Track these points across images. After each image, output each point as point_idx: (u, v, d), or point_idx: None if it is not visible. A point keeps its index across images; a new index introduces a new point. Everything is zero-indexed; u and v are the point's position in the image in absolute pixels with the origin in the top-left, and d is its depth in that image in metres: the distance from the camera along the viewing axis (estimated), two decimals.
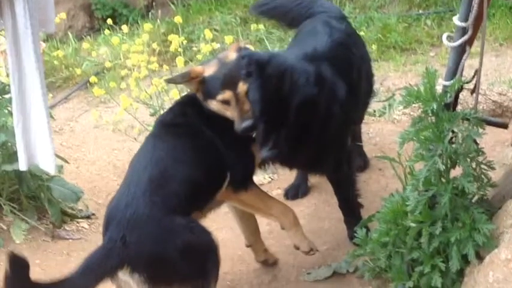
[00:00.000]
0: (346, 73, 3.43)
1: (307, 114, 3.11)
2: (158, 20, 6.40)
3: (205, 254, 2.91)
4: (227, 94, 3.06)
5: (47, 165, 2.72)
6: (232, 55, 3.13)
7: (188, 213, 2.94)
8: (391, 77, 5.47)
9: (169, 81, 3.39)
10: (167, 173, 2.96)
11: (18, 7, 2.55)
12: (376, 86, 5.25)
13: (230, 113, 3.08)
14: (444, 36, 2.92)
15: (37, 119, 2.65)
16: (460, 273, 2.83)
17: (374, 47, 5.59)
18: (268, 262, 3.50)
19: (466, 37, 2.87)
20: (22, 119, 2.67)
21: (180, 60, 4.43)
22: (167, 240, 2.83)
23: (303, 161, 3.41)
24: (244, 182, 3.16)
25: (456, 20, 2.89)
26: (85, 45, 6.22)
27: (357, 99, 3.60)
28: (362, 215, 3.60)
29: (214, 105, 3.10)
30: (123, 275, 2.79)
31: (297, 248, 3.29)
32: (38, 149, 2.69)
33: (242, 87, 3.05)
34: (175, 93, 4.25)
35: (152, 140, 3.14)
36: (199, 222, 3.00)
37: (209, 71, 3.10)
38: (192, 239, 2.87)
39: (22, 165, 2.73)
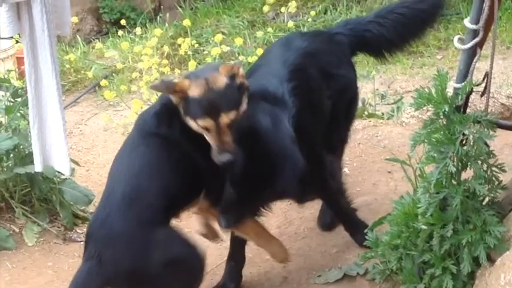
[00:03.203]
0: (304, 106, 3.22)
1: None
2: (166, 24, 6.44)
3: (185, 267, 2.87)
4: (208, 122, 2.86)
5: (62, 166, 2.75)
6: (221, 79, 2.89)
7: (165, 223, 2.89)
8: (398, 80, 5.49)
9: (152, 87, 3.22)
10: (142, 186, 2.87)
11: (35, 10, 2.59)
12: (383, 89, 5.31)
13: (208, 138, 2.90)
14: (455, 38, 2.93)
15: (53, 121, 2.68)
16: (471, 276, 2.83)
17: None
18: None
19: (477, 39, 2.88)
20: (38, 120, 2.70)
21: (192, 64, 4.44)
22: (144, 255, 2.79)
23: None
24: (218, 196, 3.04)
25: (467, 23, 2.89)
26: (97, 47, 6.26)
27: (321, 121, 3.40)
28: (371, 218, 3.60)
29: (192, 124, 2.91)
30: None
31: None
32: (53, 151, 2.73)
33: (225, 118, 2.85)
34: None
35: (130, 149, 3.00)
36: (181, 233, 2.94)
37: (194, 90, 2.87)
38: (170, 252, 2.83)
39: (37, 167, 2.76)
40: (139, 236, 2.80)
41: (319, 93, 3.37)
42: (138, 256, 2.79)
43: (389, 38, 3.66)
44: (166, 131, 2.95)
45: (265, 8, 6.50)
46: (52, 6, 2.68)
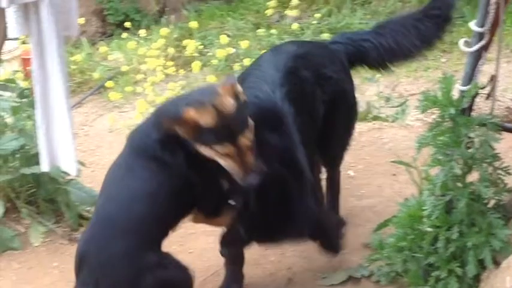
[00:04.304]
0: (299, 111, 3.15)
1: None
2: (171, 26, 6.45)
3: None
4: (228, 148, 2.77)
5: (69, 167, 2.76)
6: (228, 102, 2.78)
7: (159, 245, 2.89)
8: (402, 83, 5.49)
9: (164, 123, 2.96)
10: (143, 213, 2.84)
11: (43, 11, 2.60)
12: (388, 92, 5.31)
13: (228, 164, 2.82)
14: (461, 41, 2.94)
15: (60, 121, 2.70)
16: (477, 279, 2.84)
17: None
18: None
19: (483, 42, 2.89)
20: (45, 121, 2.71)
21: (196, 65, 4.45)
22: (140, 283, 2.78)
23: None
24: (214, 211, 3.04)
25: (473, 26, 2.90)
26: (101, 49, 6.27)
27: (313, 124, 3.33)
28: (376, 220, 3.60)
29: (208, 153, 2.80)
30: None
31: None
32: (60, 151, 2.74)
33: (243, 140, 2.78)
34: None
35: (127, 169, 2.92)
36: (172, 257, 2.92)
37: (205, 119, 2.73)
38: (165, 276, 2.83)
39: (44, 166, 2.77)
40: (136, 263, 2.80)
41: (312, 97, 3.30)
42: (135, 283, 2.79)
43: (389, 47, 3.59)
44: (168, 157, 2.85)
45: (269, 12, 6.51)
46: (60, 7, 2.70)
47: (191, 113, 2.72)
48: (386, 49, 3.59)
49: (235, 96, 2.79)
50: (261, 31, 6.21)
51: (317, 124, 3.33)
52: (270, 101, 3.09)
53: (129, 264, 2.79)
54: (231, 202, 3.03)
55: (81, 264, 2.85)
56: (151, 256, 2.81)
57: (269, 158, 2.91)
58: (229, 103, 2.77)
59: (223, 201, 3.03)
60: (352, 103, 3.57)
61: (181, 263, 2.91)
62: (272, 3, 6.57)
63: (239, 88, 2.82)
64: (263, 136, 2.94)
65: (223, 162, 2.81)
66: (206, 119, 2.72)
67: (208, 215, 3.04)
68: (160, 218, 2.87)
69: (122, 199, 2.87)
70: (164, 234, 2.92)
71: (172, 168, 2.85)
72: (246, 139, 2.78)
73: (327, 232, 3.25)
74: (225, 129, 2.75)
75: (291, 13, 6.44)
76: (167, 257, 2.89)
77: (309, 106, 3.27)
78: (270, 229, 2.97)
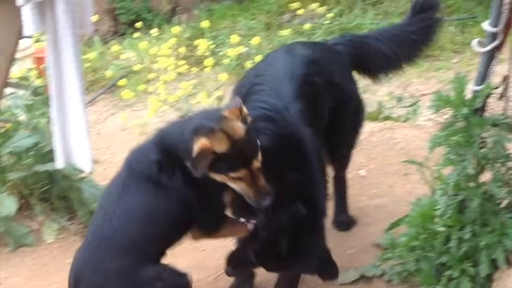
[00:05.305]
0: (315, 118, 3.17)
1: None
2: (183, 25, 6.47)
3: None
4: (242, 172, 2.72)
5: (84, 163, 2.78)
6: (238, 126, 2.71)
7: (157, 261, 2.90)
8: (414, 83, 5.49)
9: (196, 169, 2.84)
10: (138, 234, 2.85)
11: (59, 9, 2.62)
12: (399, 92, 5.31)
13: (241, 187, 2.79)
14: (475, 41, 2.94)
15: (75, 118, 2.72)
16: (489, 278, 2.85)
17: None
18: None
19: (496, 42, 2.90)
20: (61, 117, 2.73)
21: (209, 62, 4.45)
22: None
23: None
24: (214, 227, 3.02)
25: (487, 26, 2.91)
26: (113, 48, 6.30)
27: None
28: (388, 219, 3.59)
29: (221, 178, 2.76)
30: None
31: None
32: (75, 147, 2.76)
33: (256, 163, 2.74)
34: (204, 95, 4.30)
35: (124, 190, 2.90)
36: (168, 267, 2.91)
37: (219, 146, 2.66)
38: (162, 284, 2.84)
39: (59, 163, 2.79)
40: (132, 281, 2.81)
41: (322, 105, 3.31)
42: None
43: (386, 53, 3.63)
44: (165, 179, 2.83)
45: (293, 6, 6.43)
46: (75, 4, 2.71)
47: (204, 143, 2.63)
48: (385, 56, 3.64)
49: (243, 119, 2.73)
50: (272, 32, 6.23)
51: (324, 129, 3.34)
52: (287, 127, 3.03)
53: (124, 283, 2.80)
54: (241, 220, 3.04)
55: (76, 283, 2.86)
56: (146, 272, 2.81)
57: (287, 196, 2.89)
58: (239, 127, 2.70)
59: (223, 217, 3.03)
60: (357, 105, 3.60)
61: (178, 271, 2.91)
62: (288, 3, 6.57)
63: (245, 110, 2.76)
64: (282, 172, 2.91)
65: (236, 186, 2.80)
66: (220, 146, 2.65)
67: (209, 232, 3.02)
68: (156, 238, 2.88)
69: (117, 219, 2.86)
70: (161, 253, 2.91)
71: (169, 189, 2.84)
72: (258, 162, 2.76)
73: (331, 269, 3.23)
74: (240, 155, 2.69)
75: (302, 13, 6.43)
76: (163, 268, 2.88)
77: (320, 115, 3.29)
78: (281, 260, 2.97)
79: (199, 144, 2.62)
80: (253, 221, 2.98)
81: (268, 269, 3.12)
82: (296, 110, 3.07)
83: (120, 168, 2.99)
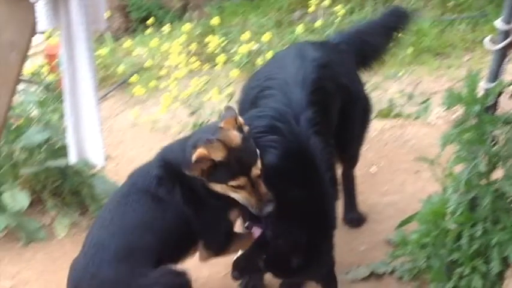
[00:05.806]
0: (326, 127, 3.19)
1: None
2: (194, 22, 6.48)
3: None
4: (242, 180, 2.77)
5: (97, 158, 2.80)
6: (235, 135, 2.77)
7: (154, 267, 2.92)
8: (425, 81, 5.47)
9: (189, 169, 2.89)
10: (134, 243, 2.90)
11: (72, 4, 2.63)
12: (410, 89, 5.30)
13: (242, 196, 2.83)
14: (487, 39, 2.93)
15: (88, 113, 2.73)
16: (501, 276, 2.84)
17: (409, 50, 5.61)
18: None
19: (509, 40, 2.89)
20: (74, 113, 2.74)
21: (221, 58, 4.45)
22: None
23: None
24: (223, 248, 3.08)
25: (499, 23, 2.90)
26: (125, 45, 6.32)
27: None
28: (398, 216, 3.59)
29: (221, 188, 2.83)
30: None
31: None
32: (88, 142, 2.77)
33: (255, 171, 2.79)
34: (216, 92, 4.30)
35: (123, 203, 2.99)
36: (167, 268, 2.94)
37: (216, 154, 2.73)
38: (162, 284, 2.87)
39: (73, 158, 2.81)
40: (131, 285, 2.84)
41: (332, 109, 3.31)
42: None
43: (378, 46, 3.75)
44: (163, 193, 2.93)
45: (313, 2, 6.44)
46: (89, 0, 2.72)
47: (201, 151, 2.72)
48: (376, 49, 3.77)
49: (239, 128, 2.79)
50: (283, 30, 6.23)
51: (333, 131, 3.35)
52: (296, 140, 3.03)
53: None
54: (246, 228, 3.08)
55: None
56: (144, 278, 2.84)
57: (297, 211, 2.92)
58: (235, 136, 2.76)
59: (230, 234, 3.07)
60: (364, 104, 3.61)
61: (177, 270, 2.94)
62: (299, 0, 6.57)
63: (240, 120, 2.82)
64: (293, 189, 2.93)
65: (237, 195, 2.83)
66: (217, 154, 2.73)
67: (218, 251, 3.07)
68: (152, 248, 2.91)
69: (115, 228, 2.94)
70: (158, 262, 2.92)
71: (167, 203, 2.92)
72: (258, 169, 2.80)
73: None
74: (237, 163, 2.75)
75: (313, 10, 6.42)
76: (162, 270, 2.90)
77: (330, 120, 3.29)
78: (290, 270, 2.98)
79: (197, 153, 2.72)
80: (258, 228, 3.00)
81: (276, 276, 3.14)
82: (307, 119, 3.07)
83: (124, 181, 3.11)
